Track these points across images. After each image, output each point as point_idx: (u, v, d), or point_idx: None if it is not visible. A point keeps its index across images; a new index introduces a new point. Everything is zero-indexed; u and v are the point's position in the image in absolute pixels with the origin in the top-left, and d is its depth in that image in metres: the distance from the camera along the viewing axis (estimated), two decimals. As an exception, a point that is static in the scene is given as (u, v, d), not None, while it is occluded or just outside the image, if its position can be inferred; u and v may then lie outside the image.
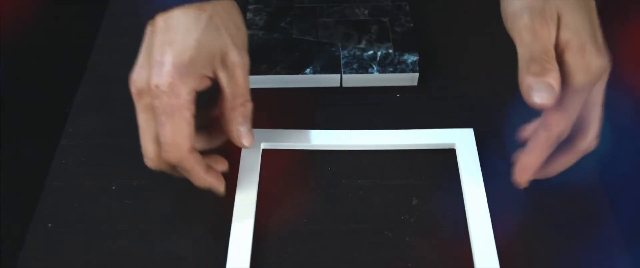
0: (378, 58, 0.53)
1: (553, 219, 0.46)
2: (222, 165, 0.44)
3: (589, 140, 0.42)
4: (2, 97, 0.61)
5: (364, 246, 0.44)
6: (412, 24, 0.56)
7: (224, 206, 0.46)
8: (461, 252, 0.44)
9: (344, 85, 0.53)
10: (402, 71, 0.52)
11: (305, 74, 0.52)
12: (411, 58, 0.52)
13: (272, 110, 0.51)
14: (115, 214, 0.46)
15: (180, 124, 0.39)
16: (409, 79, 0.53)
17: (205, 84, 0.41)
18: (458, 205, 0.46)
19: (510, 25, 0.40)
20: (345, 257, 0.44)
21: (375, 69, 0.52)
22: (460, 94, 0.54)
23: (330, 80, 0.53)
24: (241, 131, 0.42)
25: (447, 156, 0.49)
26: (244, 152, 0.48)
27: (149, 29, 0.41)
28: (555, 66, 0.37)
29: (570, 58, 0.38)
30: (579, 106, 0.40)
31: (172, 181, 0.47)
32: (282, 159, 0.49)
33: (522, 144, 0.42)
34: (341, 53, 0.53)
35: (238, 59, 0.41)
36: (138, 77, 0.40)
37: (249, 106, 0.42)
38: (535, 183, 0.47)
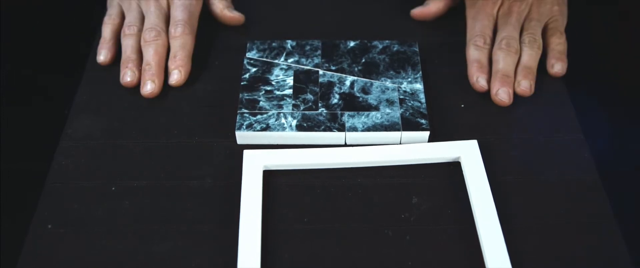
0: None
1: (555, 223, 0.46)
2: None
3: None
4: (2, 97, 0.61)
5: (364, 244, 0.44)
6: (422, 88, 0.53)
7: (224, 207, 0.46)
8: (461, 249, 0.44)
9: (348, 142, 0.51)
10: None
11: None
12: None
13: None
14: (115, 215, 0.46)
15: None
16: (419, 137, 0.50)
17: None
18: (458, 202, 0.46)
19: None
20: (345, 256, 0.44)
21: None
22: (462, 103, 0.53)
23: (334, 138, 0.50)
24: None
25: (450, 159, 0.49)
26: (246, 156, 0.48)
27: None
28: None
29: None
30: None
31: (172, 182, 0.48)
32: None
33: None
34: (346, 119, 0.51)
35: None
36: None
37: None
38: (539, 182, 0.48)
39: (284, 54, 0.55)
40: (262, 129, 0.49)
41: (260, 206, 0.45)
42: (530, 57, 0.54)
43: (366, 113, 0.51)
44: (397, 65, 0.54)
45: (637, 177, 0.57)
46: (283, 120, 0.50)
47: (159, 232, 0.45)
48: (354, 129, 0.49)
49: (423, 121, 0.50)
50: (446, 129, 0.51)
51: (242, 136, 0.50)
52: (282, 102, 0.51)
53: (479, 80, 0.53)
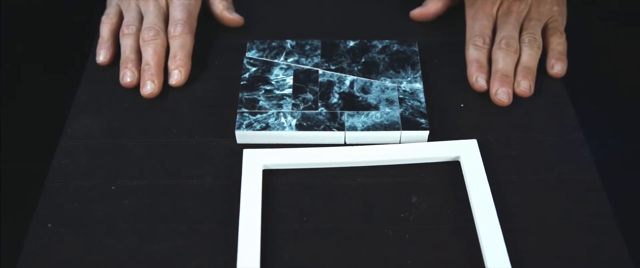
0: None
1: (554, 223, 0.46)
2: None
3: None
4: (2, 97, 0.61)
5: (364, 244, 0.44)
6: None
7: (224, 206, 0.46)
8: (461, 249, 0.44)
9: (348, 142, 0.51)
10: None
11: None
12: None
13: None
14: (115, 214, 0.46)
15: None
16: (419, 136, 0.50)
17: None
18: (457, 202, 0.46)
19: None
20: (345, 256, 0.44)
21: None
22: (462, 103, 0.53)
23: (334, 137, 0.50)
24: None
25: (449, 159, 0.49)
26: (245, 155, 0.48)
27: None
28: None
29: None
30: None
31: (172, 181, 0.48)
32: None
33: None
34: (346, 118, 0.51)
35: None
36: None
37: None
38: (539, 182, 0.48)
39: (284, 54, 0.55)
40: (262, 128, 0.49)
41: (259, 206, 0.45)
42: (530, 57, 0.54)
43: (366, 112, 0.51)
44: (397, 65, 0.54)
45: (637, 177, 0.57)
46: (283, 120, 0.50)
47: (159, 232, 0.45)
48: (353, 128, 0.49)
49: (422, 120, 0.50)
50: (446, 129, 0.51)
51: (242, 135, 0.50)
52: (281, 102, 0.51)
53: (478, 80, 0.53)
